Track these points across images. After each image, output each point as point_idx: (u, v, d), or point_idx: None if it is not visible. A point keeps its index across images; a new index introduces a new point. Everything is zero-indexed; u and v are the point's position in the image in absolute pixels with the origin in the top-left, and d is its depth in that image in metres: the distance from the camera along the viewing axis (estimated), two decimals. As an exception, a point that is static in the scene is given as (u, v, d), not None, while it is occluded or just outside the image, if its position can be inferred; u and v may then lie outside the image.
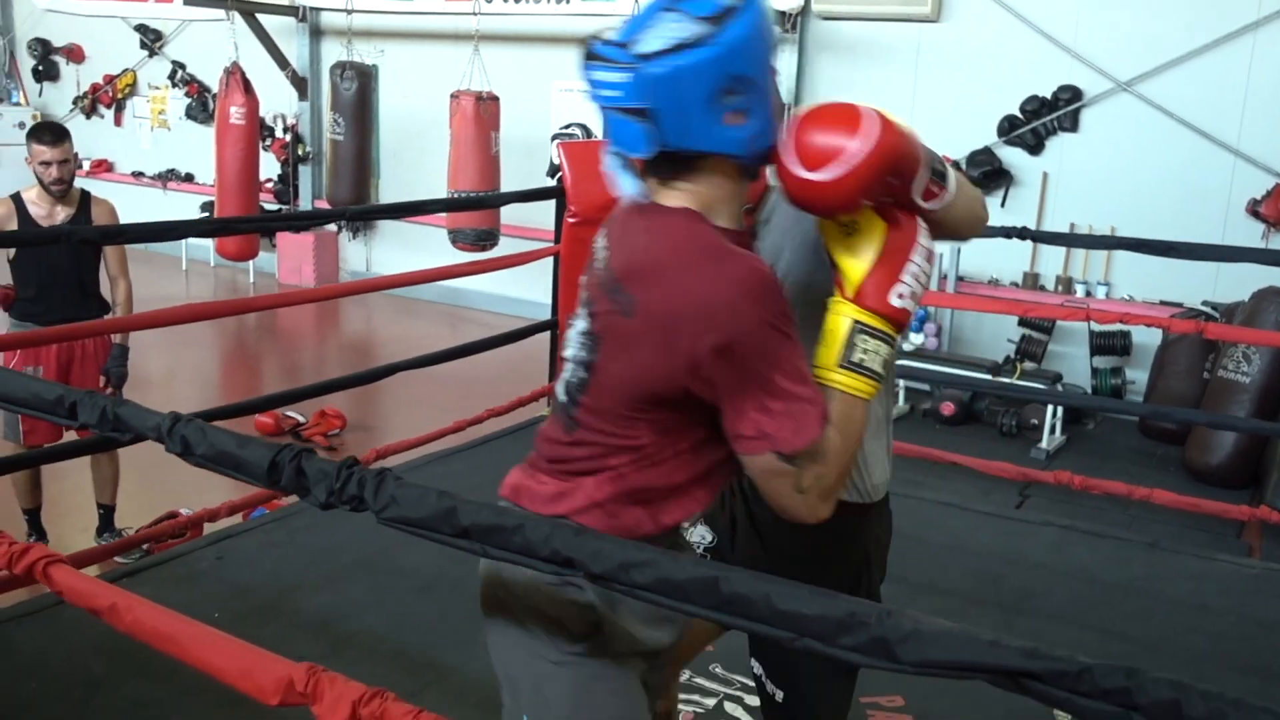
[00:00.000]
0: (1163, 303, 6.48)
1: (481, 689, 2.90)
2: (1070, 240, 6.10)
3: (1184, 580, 3.89)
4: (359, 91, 8.09)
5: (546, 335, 5.28)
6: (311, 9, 9.47)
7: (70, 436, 4.04)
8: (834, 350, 1.40)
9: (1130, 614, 3.63)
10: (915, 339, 6.91)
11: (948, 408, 6.22)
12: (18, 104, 11.73)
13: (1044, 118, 6.72)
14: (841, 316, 1.40)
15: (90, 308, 4.21)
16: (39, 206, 4.09)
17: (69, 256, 4.09)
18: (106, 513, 4.41)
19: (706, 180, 1.41)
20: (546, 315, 5.35)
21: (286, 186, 9.92)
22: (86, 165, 11.19)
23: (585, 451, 1.44)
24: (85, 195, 4.21)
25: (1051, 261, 6.89)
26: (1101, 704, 0.87)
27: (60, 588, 1.65)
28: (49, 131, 4.09)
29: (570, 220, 4.95)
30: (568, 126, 7.19)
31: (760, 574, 1.09)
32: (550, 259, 5.22)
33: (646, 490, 1.43)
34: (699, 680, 3.08)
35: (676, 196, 1.42)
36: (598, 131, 6.91)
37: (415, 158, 9.20)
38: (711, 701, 3.02)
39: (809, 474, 1.35)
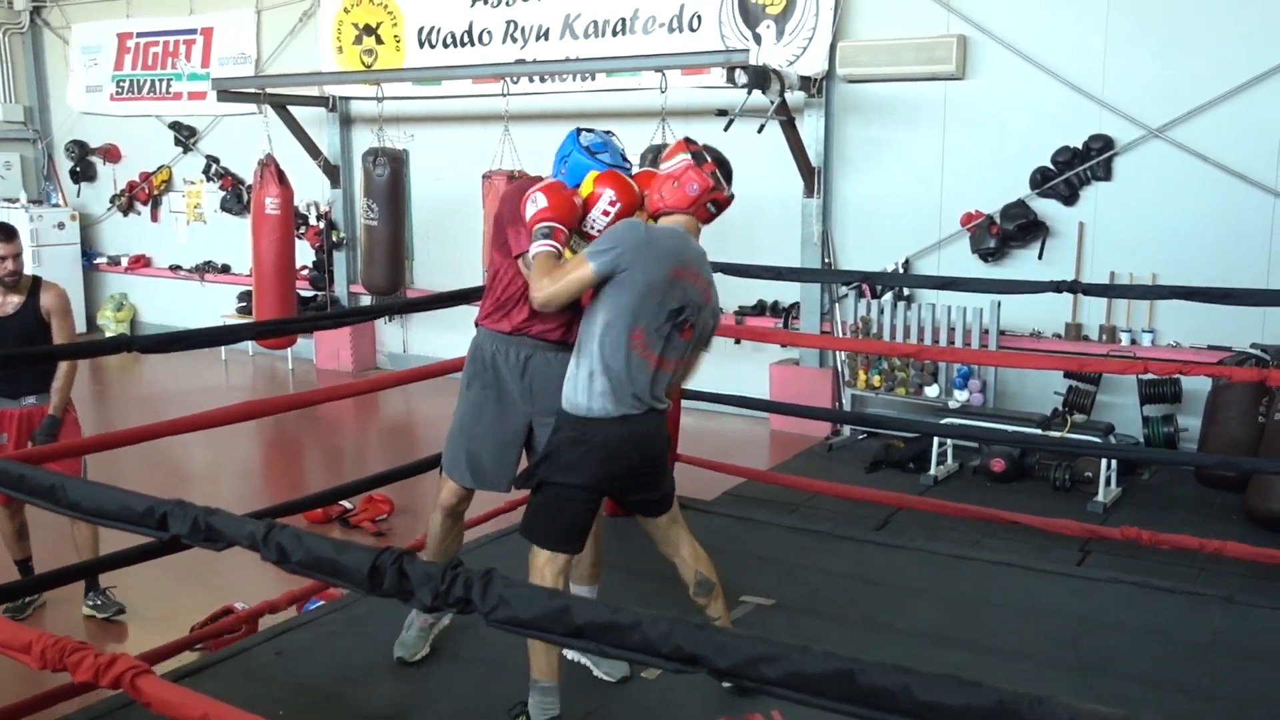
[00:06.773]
0: (1211, 347, 6.39)
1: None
2: (1118, 291, 6.03)
3: (1268, 634, 3.76)
4: (391, 177, 8.22)
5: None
6: (341, 99, 9.66)
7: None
8: None
9: (1217, 672, 3.51)
10: (960, 396, 6.84)
11: (998, 464, 6.12)
12: (56, 205, 11.97)
13: (1076, 168, 6.69)
14: None
15: (47, 383, 4.55)
16: None
17: (25, 336, 4.48)
18: (88, 575, 4.40)
19: None
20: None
21: (321, 273, 10.03)
22: (124, 261, 11.43)
23: None
24: (35, 281, 4.58)
25: (1094, 310, 6.82)
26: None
27: (149, 699, 1.60)
28: (1, 231, 4.47)
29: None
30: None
31: (898, 666, 1.04)
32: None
33: None
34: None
35: None
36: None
37: (449, 239, 9.28)
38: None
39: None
